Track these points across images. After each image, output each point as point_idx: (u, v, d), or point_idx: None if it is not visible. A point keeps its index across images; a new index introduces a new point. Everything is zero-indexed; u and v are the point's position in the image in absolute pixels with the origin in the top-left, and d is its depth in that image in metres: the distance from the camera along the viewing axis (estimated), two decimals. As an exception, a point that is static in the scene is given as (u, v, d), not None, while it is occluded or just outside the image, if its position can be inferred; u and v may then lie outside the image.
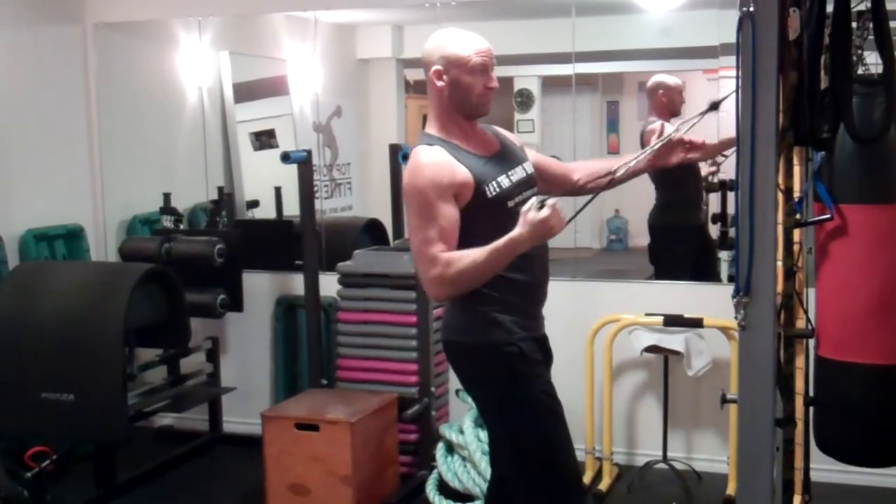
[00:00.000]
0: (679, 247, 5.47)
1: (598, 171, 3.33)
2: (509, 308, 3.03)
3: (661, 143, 3.28)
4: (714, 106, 3.11)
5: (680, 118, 4.54)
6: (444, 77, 3.00)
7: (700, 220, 5.46)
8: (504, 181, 3.02)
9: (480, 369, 3.10)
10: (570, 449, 3.12)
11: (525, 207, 2.81)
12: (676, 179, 5.22)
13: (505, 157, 3.13)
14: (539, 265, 3.12)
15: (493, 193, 2.98)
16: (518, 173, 3.10)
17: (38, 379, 4.54)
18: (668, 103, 5.42)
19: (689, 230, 5.46)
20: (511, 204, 2.99)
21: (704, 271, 5.47)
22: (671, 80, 5.50)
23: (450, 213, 2.93)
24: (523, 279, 3.03)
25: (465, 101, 3.02)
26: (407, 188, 2.98)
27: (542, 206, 2.78)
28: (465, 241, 2.94)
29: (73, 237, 5.59)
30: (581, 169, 3.41)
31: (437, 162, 2.95)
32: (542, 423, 3.05)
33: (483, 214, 2.95)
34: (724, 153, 5.37)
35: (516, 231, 2.81)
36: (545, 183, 3.25)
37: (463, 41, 3.01)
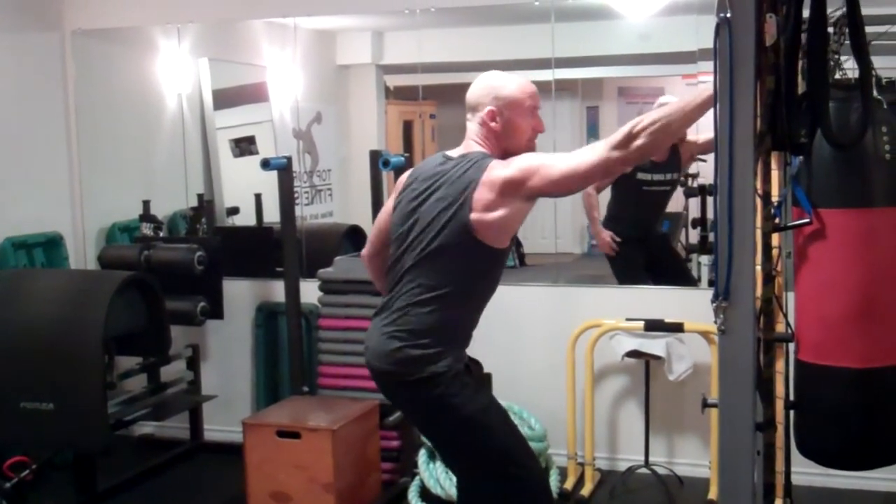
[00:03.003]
0: (624, 253, 5.57)
1: None
2: (458, 343, 3.11)
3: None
4: None
5: None
6: (498, 119, 3.08)
7: (639, 233, 5.59)
8: None
9: (436, 398, 3.05)
10: (535, 457, 3.22)
11: None
12: (620, 197, 5.44)
13: None
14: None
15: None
16: None
17: (18, 388, 4.51)
18: None
19: (628, 240, 5.59)
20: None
21: (664, 275, 5.52)
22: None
23: None
24: (474, 320, 3.15)
25: (516, 142, 3.10)
26: (515, 163, 2.98)
27: None
28: (476, 276, 3.06)
29: (52, 245, 5.56)
30: None
31: None
32: (503, 433, 3.10)
33: (503, 251, 3.08)
34: (702, 157, 5.47)
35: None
36: None
37: (516, 84, 3.12)
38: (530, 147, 3.11)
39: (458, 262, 3.02)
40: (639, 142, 2.78)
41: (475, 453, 3.12)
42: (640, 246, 5.62)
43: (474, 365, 3.23)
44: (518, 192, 2.94)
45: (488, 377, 4.10)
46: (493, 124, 3.08)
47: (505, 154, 3.08)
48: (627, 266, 5.57)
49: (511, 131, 3.09)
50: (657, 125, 2.76)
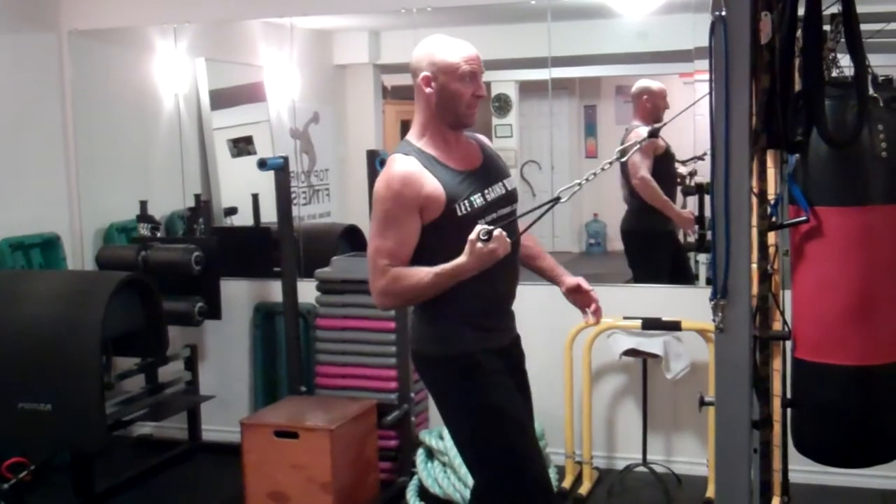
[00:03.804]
0: (655, 251, 5.50)
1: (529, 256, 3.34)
2: (469, 321, 3.05)
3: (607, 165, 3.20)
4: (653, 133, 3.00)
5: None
6: (433, 84, 3.00)
7: (671, 225, 5.49)
8: (477, 200, 3.02)
9: (442, 378, 3.12)
10: (535, 456, 3.12)
11: (472, 236, 2.80)
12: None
13: (486, 172, 3.11)
14: (504, 279, 3.12)
15: (463, 212, 2.97)
16: (496, 191, 3.09)
17: (15, 388, 4.50)
18: (652, 109, 5.46)
19: (662, 234, 5.49)
20: (483, 224, 2.96)
21: (678, 275, 5.50)
22: (655, 85, 5.52)
23: (409, 227, 2.93)
24: (486, 293, 3.04)
25: (453, 108, 3.01)
26: (375, 193, 2.98)
27: (488, 237, 2.79)
28: (430, 258, 2.94)
29: (49, 246, 5.56)
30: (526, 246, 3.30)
31: (406, 173, 2.94)
32: (503, 432, 3.05)
33: (451, 231, 2.93)
34: (703, 156, 5.46)
35: (462, 259, 2.83)
36: None
37: (452, 48, 3.01)
38: (470, 114, 3.04)
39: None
40: (392, 301, 3.05)
41: (467, 447, 3.13)
42: (671, 242, 5.59)
43: (507, 355, 3.18)
44: None
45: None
46: (427, 90, 3.01)
47: (442, 124, 3.03)
48: (660, 265, 5.52)
49: (447, 98, 3.00)
50: (407, 295, 2.98)
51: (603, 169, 2.91)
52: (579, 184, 2.88)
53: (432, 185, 2.95)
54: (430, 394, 3.30)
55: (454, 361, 3.06)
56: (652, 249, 5.52)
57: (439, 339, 3.07)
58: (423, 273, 2.89)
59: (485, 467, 3.11)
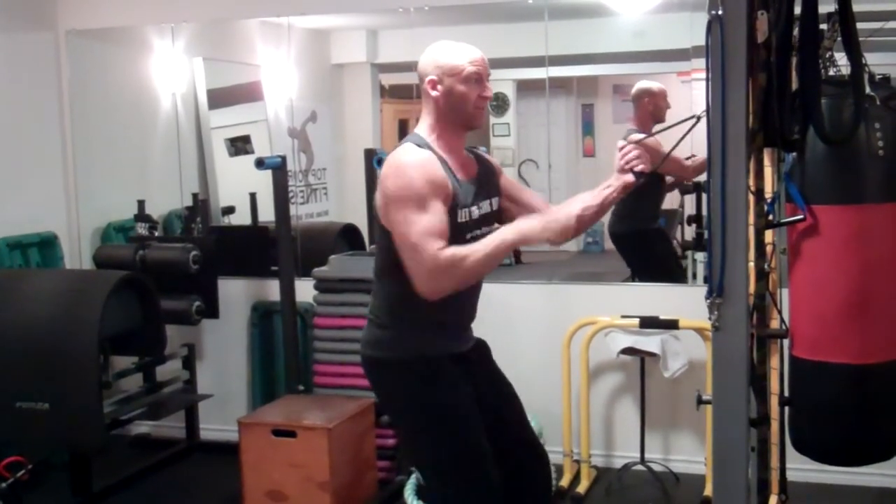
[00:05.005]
0: (651, 249, 5.52)
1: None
2: (430, 326, 3.03)
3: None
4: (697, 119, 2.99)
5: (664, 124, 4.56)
6: (439, 87, 3.01)
7: (657, 224, 5.51)
8: (474, 211, 3.03)
9: (400, 384, 3.08)
10: (485, 461, 3.04)
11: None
12: (638, 192, 5.34)
13: (480, 186, 3.11)
14: (468, 298, 3.11)
15: (462, 220, 2.98)
16: (484, 207, 3.09)
17: (13, 388, 4.50)
18: (653, 110, 5.44)
19: (652, 232, 5.51)
20: (469, 237, 2.97)
21: (671, 273, 5.52)
22: (656, 86, 5.51)
23: (442, 209, 2.89)
24: (447, 306, 2.98)
25: (460, 111, 3.01)
26: (394, 182, 2.91)
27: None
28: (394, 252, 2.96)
29: (46, 245, 5.56)
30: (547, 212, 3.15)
31: (427, 159, 2.94)
32: (463, 439, 3.03)
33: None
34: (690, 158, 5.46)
35: (538, 226, 2.84)
36: (517, 207, 3.22)
37: (457, 51, 3.02)
38: (477, 115, 3.04)
39: (382, 238, 3.02)
40: (452, 284, 2.87)
41: (414, 451, 3.13)
42: (661, 237, 5.62)
43: (467, 360, 3.14)
44: (384, 215, 2.97)
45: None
46: (433, 93, 3.01)
47: (449, 127, 3.03)
48: (660, 262, 5.57)
49: (454, 100, 3.00)
50: (470, 275, 2.89)
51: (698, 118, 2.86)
52: (698, 117, 2.86)
53: (447, 179, 2.94)
54: (383, 400, 3.31)
55: (413, 365, 3.03)
56: (648, 248, 5.53)
57: (397, 342, 3.04)
58: (483, 247, 2.84)
59: (443, 474, 3.08)
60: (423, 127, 3.08)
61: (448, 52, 3.03)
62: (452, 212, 2.94)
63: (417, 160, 2.92)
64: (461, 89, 3.00)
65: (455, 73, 2.99)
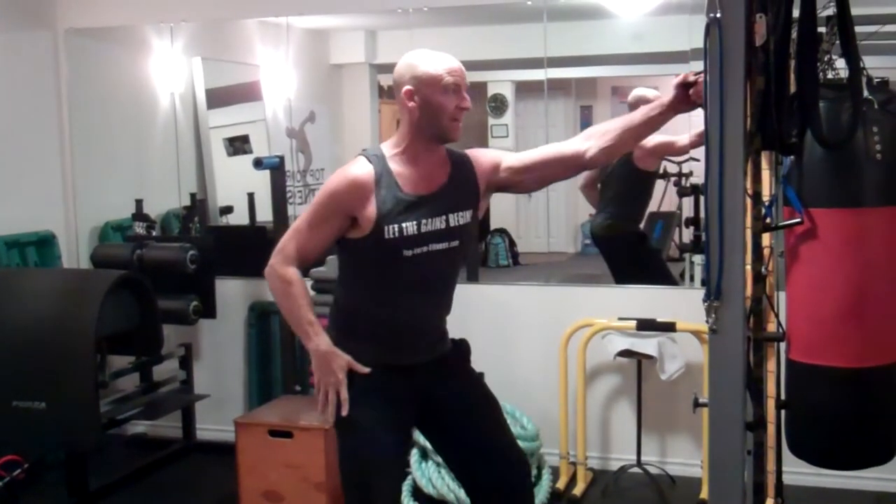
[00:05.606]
0: (630, 252, 5.56)
1: (612, 130, 3.00)
2: (367, 337, 3.02)
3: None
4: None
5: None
6: (416, 97, 2.91)
7: (638, 228, 5.56)
8: (410, 228, 2.91)
9: None
10: (377, 486, 3.01)
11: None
12: (631, 196, 5.43)
13: (437, 201, 2.98)
14: (417, 315, 3.04)
15: (390, 236, 2.89)
16: (435, 223, 2.96)
17: (10, 386, 4.50)
18: None
19: (631, 236, 5.55)
20: (408, 254, 2.90)
21: (652, 276, 5.54)
22: (651, 93, 5.49)
23: (332, 229, 2.95)
24: (390, 322, 3.00)
25: (437, 122, 2.92)
26: (327, 182, 3.00)
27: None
28: (352, 274, 3.05)
29: (44, 244, 5.55)
30: (590, 137, 3.03)
31: (355, 179, 2.91)
32: (353, 450, 3.02)
33: (374, 253, 2.92)
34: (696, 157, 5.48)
35: (315, 340, 2.98)
36: (554, 170, 3.09)
37: (434, 61, 2.93)
38: (453, 127, 2.94)
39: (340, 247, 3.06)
40: (270, 284, 3.10)
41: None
42: (640, 240, 5.64)
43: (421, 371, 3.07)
44: None
45: (480, 375, 4.08)
46: (410, 104, 2.91)
47: (424, 138, 2.95)
48: (630, 267, 5.59)
49: (430, 111, 2.90)
50: (277, 297, 3.10)
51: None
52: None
53: (370, 200, 2.89)
54: None
55: None
56: (628, 251, 5.57)
57: (338, 347, 3.00)
58: (294, 302, 3.01)
59: (342, 485, 3.10)
60: (392, 139, 3.03)
61: (425, 61, 2.93)
62: (376, 230, 2.88)
63: (349, 176, 2.92)
64: (438, 100, 2.90)
65: (433, 83, 2.90)
